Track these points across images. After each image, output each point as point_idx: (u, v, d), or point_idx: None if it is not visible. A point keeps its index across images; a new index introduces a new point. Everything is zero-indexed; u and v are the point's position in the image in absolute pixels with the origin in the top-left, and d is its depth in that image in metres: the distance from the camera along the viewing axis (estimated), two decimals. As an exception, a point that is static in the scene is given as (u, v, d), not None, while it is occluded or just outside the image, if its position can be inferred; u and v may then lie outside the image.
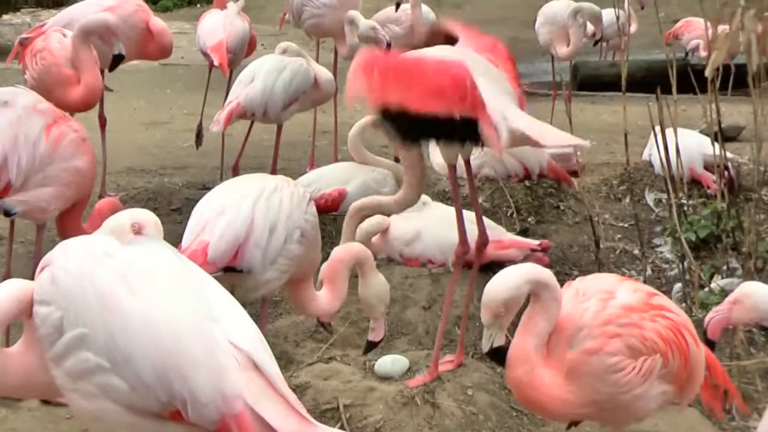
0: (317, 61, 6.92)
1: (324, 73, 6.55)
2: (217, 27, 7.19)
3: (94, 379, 2.46)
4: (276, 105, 6.33)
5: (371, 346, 4.24)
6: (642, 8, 10.56)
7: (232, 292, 4.11)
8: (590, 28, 8.48)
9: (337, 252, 4.06)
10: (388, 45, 6.97)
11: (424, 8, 7.77)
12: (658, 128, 5.55)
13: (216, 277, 3.76)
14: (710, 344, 3.44)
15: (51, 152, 4.49)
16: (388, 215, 5.18)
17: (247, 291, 4.00)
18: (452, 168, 4.28)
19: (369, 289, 4.11)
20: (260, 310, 4.19)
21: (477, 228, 4.38)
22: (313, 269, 4.14)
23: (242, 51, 7.33)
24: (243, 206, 3.95)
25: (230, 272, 3.91)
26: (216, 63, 7.04)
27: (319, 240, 4.18)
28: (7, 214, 4.56)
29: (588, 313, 3.25)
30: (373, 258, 4.14)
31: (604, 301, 3.27)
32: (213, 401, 2.41)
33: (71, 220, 4.67)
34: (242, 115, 6.37)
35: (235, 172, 6.88)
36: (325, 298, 4.03)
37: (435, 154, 6.33)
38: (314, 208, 4.13)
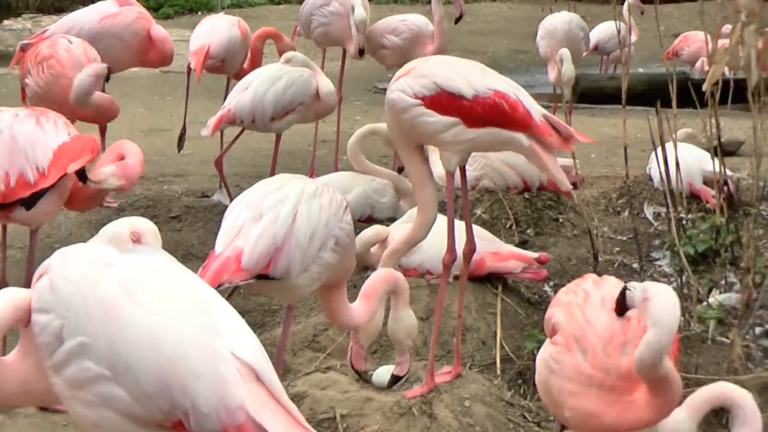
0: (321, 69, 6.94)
1: (326, 85, 6.55)
2: (204, 33, 7.20)
3: (95, 387, 2.45)
4: (265, 114, 6.34)
5: (396, 380, 4.26)
6: (642, 13, 10.58)
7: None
8: (593, 41, 8.49)
9: (381, 273, 4.08)
10: (362, 51, 7.31)
11: (423, 20, 7.77)
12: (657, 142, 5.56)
13: (246, 284, 3.79)
14: None
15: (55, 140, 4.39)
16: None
17: (276, 297, 3.94)
18: (450, 176, 4.31)
19: (399, 323, 4.12)
20: (285, 316, 4.17)
21: (466, 235, 4.41)
22: (347, 276, 4.08)
23: (234, 58, 7.29)
24: (282, 210, 3.83)
25: (262, 279, 3.82)
26: (192, 66, 7.05)
27: (353, 247, 4.09)
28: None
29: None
30: (409, 293, 4.14)
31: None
32: (215, 412, 2.40)
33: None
34: (232, 122, 6.40)
35: (218, 166, 6.87)
36: (358, 311, 4.01)
37: (435, 164, 6.33)
38: (350, 216, 4.04)
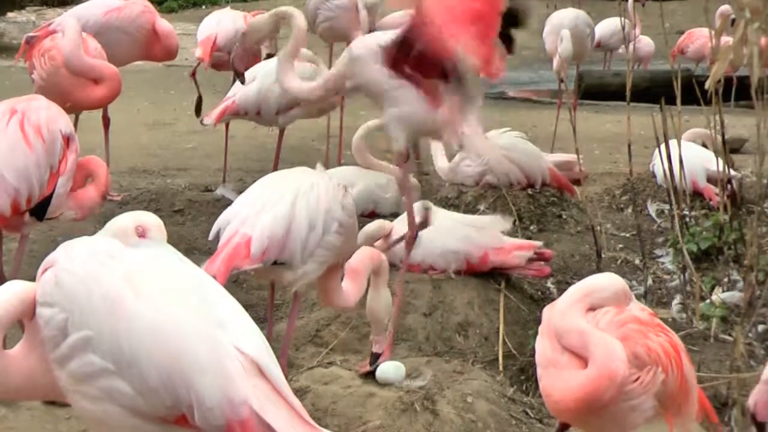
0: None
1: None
2: (211, 25, 7.20)
3: (99, 382, 2.45)
4: (270, 107, 6.34)
5: (376, 357, 4.32)
6: (643, 5, 10.57)
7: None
8: (597, 37, 8.47)
9: (366, 251, 4.18)
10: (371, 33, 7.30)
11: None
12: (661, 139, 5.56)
13: (255, 270, 3.90)
14: (760, 426, 3.44)
15: (39, 150, 4.24)
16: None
17: (285, 283, 4.05)
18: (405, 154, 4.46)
19: (379, 302, 4.20)
20: (290, 310, 4.24)
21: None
22: (349, 257, 4.19)
23: None
24: (281, 205, 3.99)
25: (271, 264, 3.96)
26: (199, 56, 7.03)
27: (356, 228, 4.26)
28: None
29: (605, 318, 3.31)
30: (389, 272, 4.24)
31: (620, 311, 3.33)
32: (219, 406, 2.40)
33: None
34: (236, 113, 6.40)
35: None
36: (348, 290, 4.11)
37: (438, 158, 6.34)
38: (350, 199, 4.21)
